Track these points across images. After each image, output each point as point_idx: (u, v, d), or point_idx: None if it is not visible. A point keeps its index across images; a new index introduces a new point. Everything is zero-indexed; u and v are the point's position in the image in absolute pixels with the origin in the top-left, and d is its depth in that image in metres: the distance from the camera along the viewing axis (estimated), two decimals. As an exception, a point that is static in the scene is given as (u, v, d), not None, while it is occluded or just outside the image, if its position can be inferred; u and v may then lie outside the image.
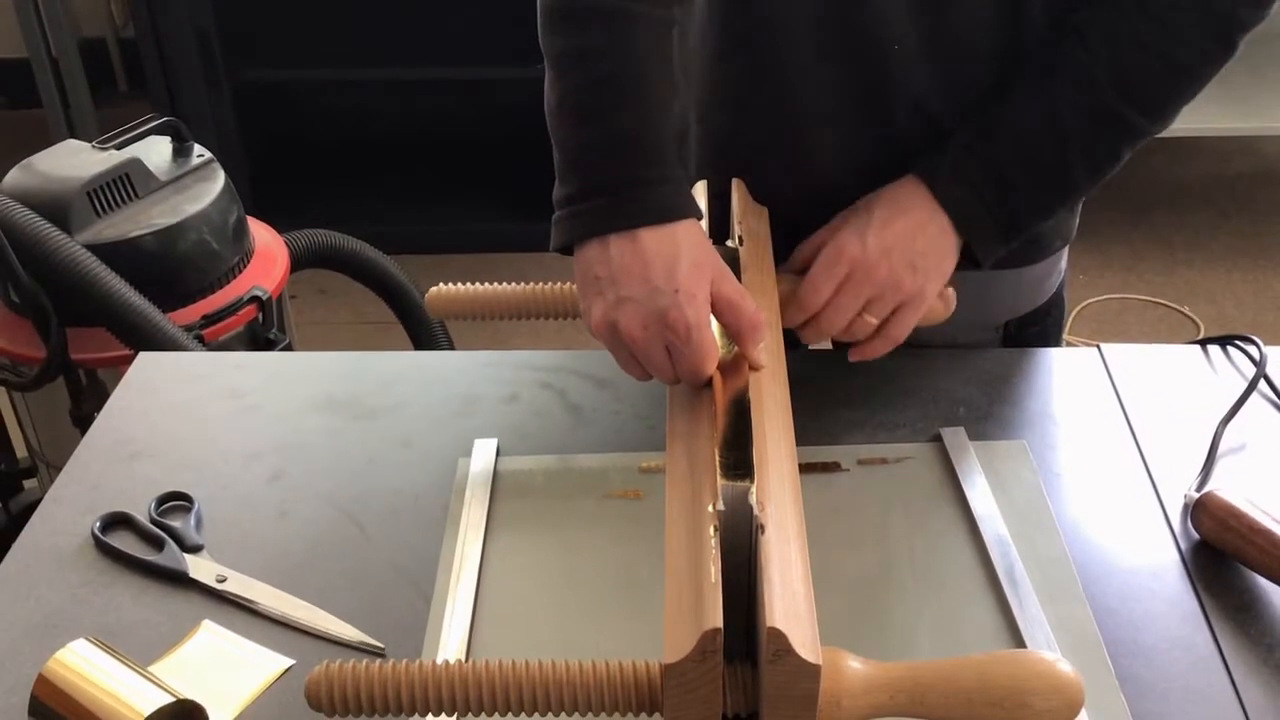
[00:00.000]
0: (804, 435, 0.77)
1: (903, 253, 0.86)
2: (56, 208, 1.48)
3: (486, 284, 0.92)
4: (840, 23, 0.88)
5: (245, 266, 1.64)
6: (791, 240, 0.93)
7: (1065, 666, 0.63)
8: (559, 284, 0.90)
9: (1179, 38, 0.85)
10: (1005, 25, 0.89)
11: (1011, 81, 0.89)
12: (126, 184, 1.56)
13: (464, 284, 0.92)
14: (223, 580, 0.81)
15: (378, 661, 0.64)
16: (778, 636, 0.59)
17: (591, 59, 0.81)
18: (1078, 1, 0.88)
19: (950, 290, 0.90)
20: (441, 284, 0.92)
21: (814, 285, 0.87)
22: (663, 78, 0.82)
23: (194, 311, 1.55)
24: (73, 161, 1.56)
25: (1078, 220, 1.05)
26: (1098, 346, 1.01)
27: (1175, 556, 0.82)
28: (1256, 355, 0.98)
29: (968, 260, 0.90)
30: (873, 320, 0.87)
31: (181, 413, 0.97)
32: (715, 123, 0.97)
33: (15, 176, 1.55)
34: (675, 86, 0.84)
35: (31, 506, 1.70)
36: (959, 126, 0.90)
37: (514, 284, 0.91)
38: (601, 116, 0.81)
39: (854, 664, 0.64)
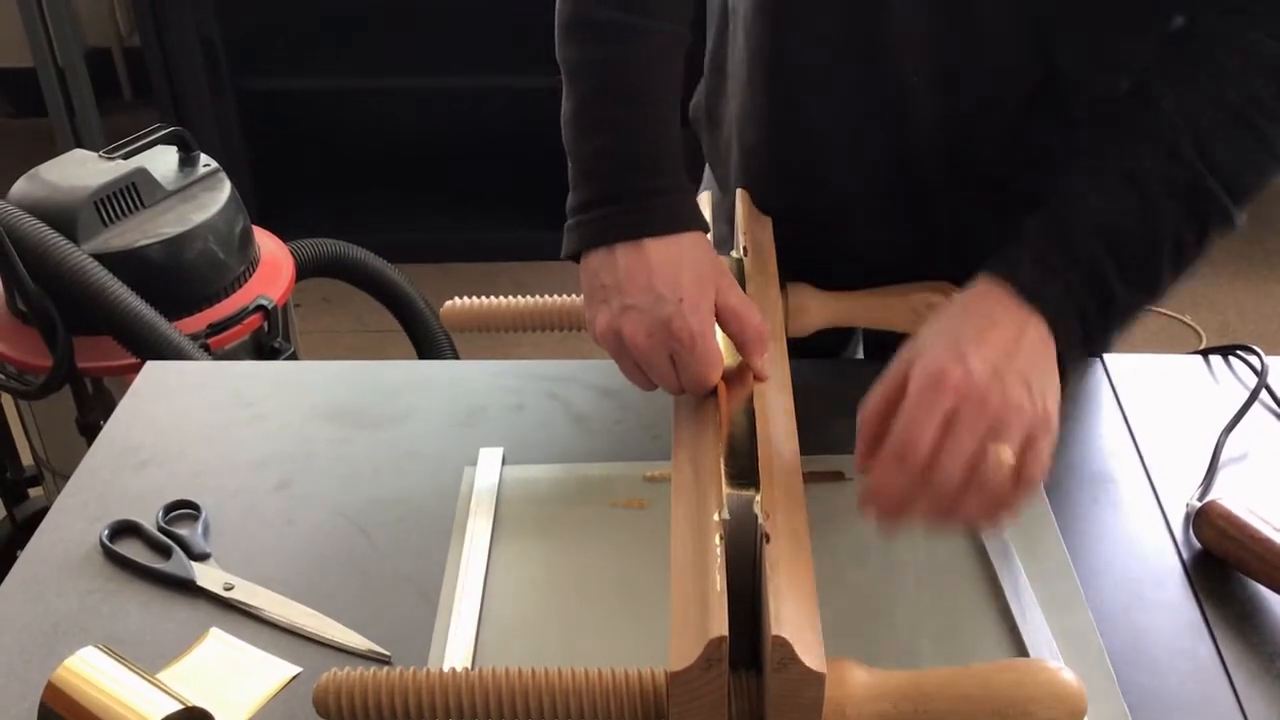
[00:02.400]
0: (808, 444, 0.78)
1: (1014, 370, 0.69)
2: (63, 217, 1.49)
3: (499, 298, 0.92)
4: (858, 46, 0.87)
5: (251, 276, 1.64)
6: (803, 254, 0.94)
7: (1068, 675, 0.64)
8: (570, 297, 0.91)
9: (1269, 112, 0.76)
10: (1034, 64, 0.85)
11: (1079, 158, 0.79)
12: (133, 193, 1.56)
13: (478, 298, 0.92)
14: (230, 588, 0.81)
15: (385, 669, 0.65)
16: (782, 645, 0.60)
17: (603, 71, 0.82)
18: (1123, 50, 0.84)
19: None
20: (456, 298, 0.93)
21: (914, 426, 0.67)
22: (672, 91, 0.83)
23: (200, 320, 1.56)
24: (79, 171, 1.57)
25: None
26: (1100, 355, 1.01)
27: (1177, 565, 0.82)
28: (1258, 365, 0.99)
29: None
30: (1009, 451, 0.67)
31: (188, 421, 0.98)
32: (746, 138, 0.98)
33: (22, 186, 1.55)
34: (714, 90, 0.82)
35: (37, 515, 1.71)
36: (1028, 218, 0.77)
37: (526, 297, 0.92)
38: (611, 127, 0.82)
39: (858, 672, 0.64)
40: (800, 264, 0.94)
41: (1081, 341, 0.74)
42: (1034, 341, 0.72)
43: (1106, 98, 0.85)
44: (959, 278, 0.91)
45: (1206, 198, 0.75)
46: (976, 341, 0.70)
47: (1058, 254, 0.75)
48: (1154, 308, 0.81)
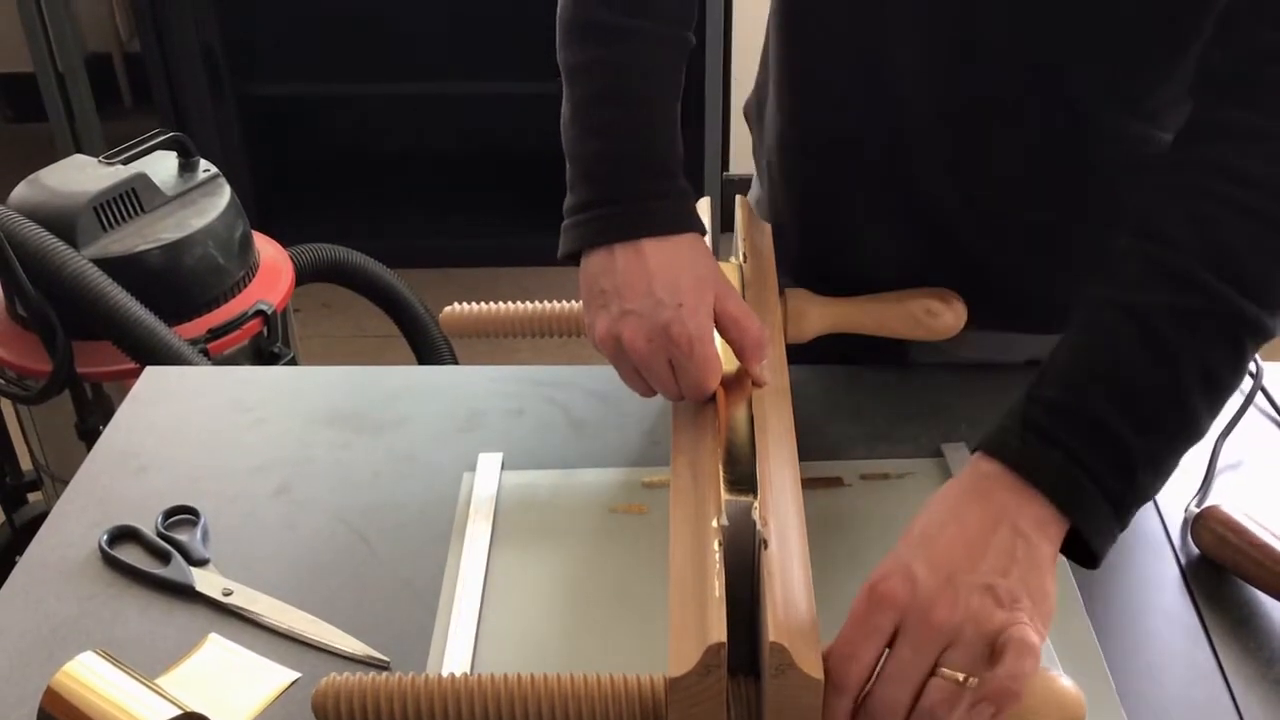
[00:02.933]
0: (806, 450, 0.78)
1: (976, 574, 0.61)
2: (63, 222, 1.49)
3: (499, 303, 0.92)
4: (861, 64, 0.86)
5: (250, 281, 1.65)
6: (810, 262, 0.94)
7: (1067, 682, 0.64)
8: (570, 302, 0.91)
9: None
10: (1032, 92, 0.82)
11: (1079, 303, 0.70)
12: (133, 199, 1.57)
13: (477, 304, 0.93)
14: (229, 593, 0.81)
15: (385, 674, 0.65)
16: (780, 651, 0.60)
17: (602, 72, 0.83)
18: (1140, 90, 0.81)
19: (960, 304, 0.91)
20: (455, 304, 0.93)
21: (848, 650, 0.61)
22: (671, 94, 0.84)
23: (199, 325, 1.56)
24: (80, 176, 1.57)
25: None
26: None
27: (1175, 571, 0.82)
28: (1253, 369, 0.99)
29: (1079, 552, 0.66)
30: (960, 678, 0.59)
31: (188, 426, 0.98)
32: (768, 140, 0.98)
33: (22, 191, 1.56)
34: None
35: (36, 520, 1.71)
36: (1030, 385, 0.67)
37: (525, 303, 0.92)
38: (610, 129, 0.82)
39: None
40: (805, 272, 0.94)
41: (1111, 510, 0.64)
42: (1014, 532, 0.62)
43: (1120, 138, 0.84)
44: (965, 290, 0.91)
45: (1236, 318, 0.66)
46: (928, 545, 0.62)
47: (1051, 416, 0.65)
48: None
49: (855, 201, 0.93)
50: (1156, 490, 0.67)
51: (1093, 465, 0.64)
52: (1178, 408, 0.66)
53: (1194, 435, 0.67)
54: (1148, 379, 0.65)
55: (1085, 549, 0.65)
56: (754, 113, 1.04)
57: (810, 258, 0.96)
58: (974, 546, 0.62)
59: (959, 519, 0.63)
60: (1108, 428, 0.64)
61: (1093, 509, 0.64)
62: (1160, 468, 0.66)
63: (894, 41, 0.84)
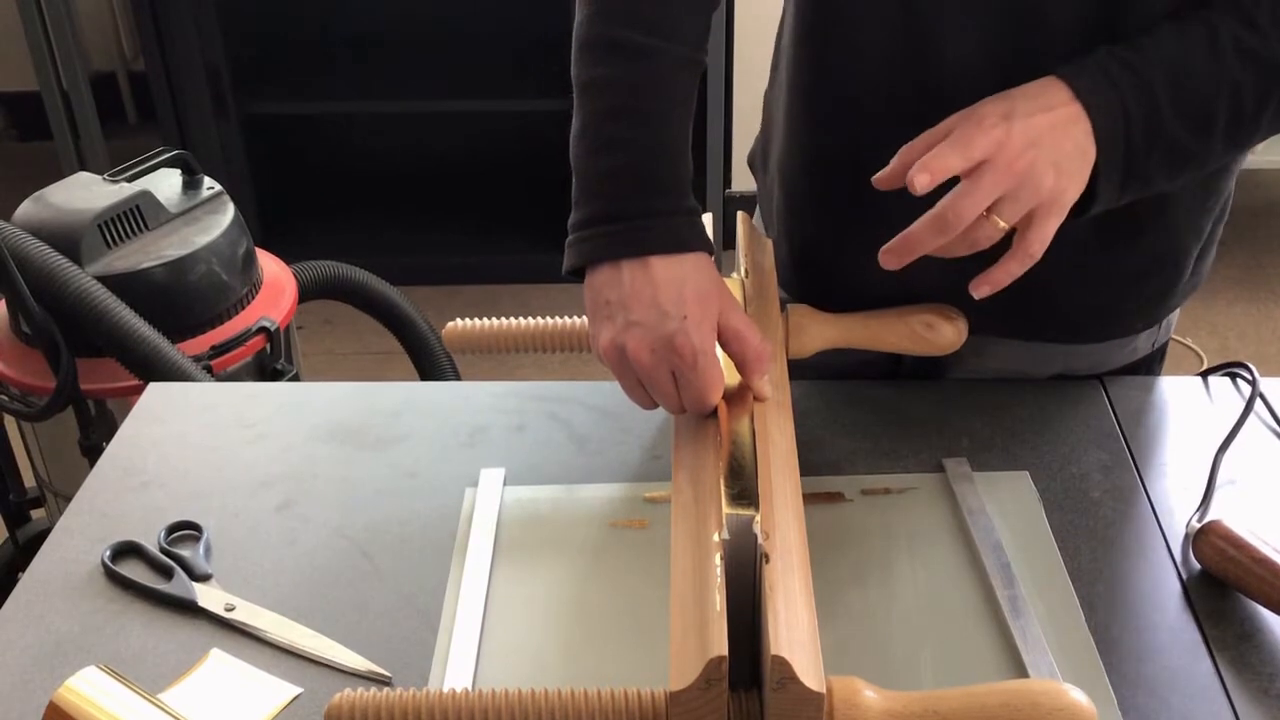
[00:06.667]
0: (808, 465, 0.78)
1: (1049, 149, 0.76)
2: (68, 239, 1.50)
3: (502, 319, 0.93)
4: (909, 77, 0.86)
5: (254, 298, 1.65)
6: (827, 282, 0.93)
7: (1079, 695, 0.63)
8: (573, 319, 0.91)
9: None
10: None
11: (1183, 9, 0.82)
12: (137, 216, 1.57)
13: (480, 320, 0.93)
14: (231, 609, 0.81)
15: (399, 690, 0.65)
16: (781, 664, 0.60)
17: (614, 90, 0.82)
18: None
19: (961, 320, 0.91)
20: (458, 320, 0.93)
21: (943, 160, 0.75)
22: (682, 113, 0.83)
23: (203, 342, 1.56)
24: (84, 194, 1.58)
25: (1165, 322, 1.02)
26: (1099, 377, 1.02)
27: (1177, 586, 0.82)
28: (1250, 377, 0.99)
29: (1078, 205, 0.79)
30: (1002, 224, 0.76)
31: (191, 443, 0.98)
32: (786, 169, 0.97)
33: (27, 208, 1.56)
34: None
35: (39, 536, 1.71)
36: (1118, 47, 0.81)
37: (529, 319, 0.92)
38: (620, 146, 0.82)
39: (870, 694, 0.64)
40: (801, 287, 0.94)
41: (1123, 158, 0.78)
42: (1079, 136, 0.77)
43: None
44: (992, 297, 0.90)
45: (1272, 70, 0.79)
46: (1027, 115, 0.76)
47: (1120, 70, 0.79)
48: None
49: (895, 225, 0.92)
50: (1158, 174, 0.81)
51: (1133, 121, 0.78)
52: (1207, 113, 0.79)
53: (1206, 145, 0.80)
54: (1197, 78, 0.79)
55: (1087, 194, 0.79)
56: (759, 160, 1.03)
57: (825, 279, 0.95)
58: (1058, 131, 0.76)
59: (1049, 109, 0.77)
60: (1156, 100, 0.78)
61: (1115, 153, 0.78)
62: (1172, 162, 0.80)
63: (948, 56, 0.84)
